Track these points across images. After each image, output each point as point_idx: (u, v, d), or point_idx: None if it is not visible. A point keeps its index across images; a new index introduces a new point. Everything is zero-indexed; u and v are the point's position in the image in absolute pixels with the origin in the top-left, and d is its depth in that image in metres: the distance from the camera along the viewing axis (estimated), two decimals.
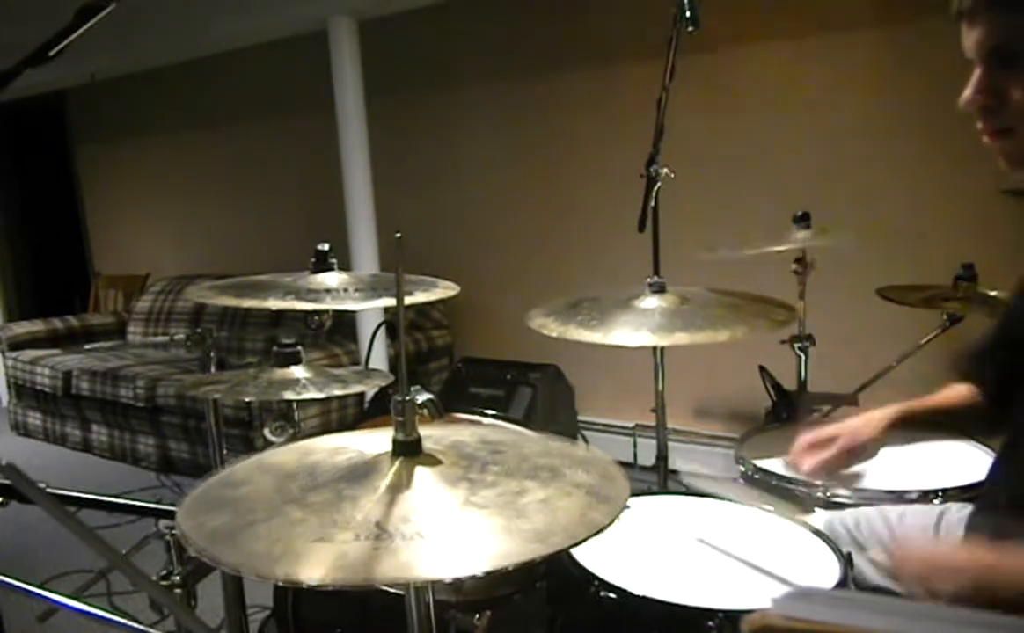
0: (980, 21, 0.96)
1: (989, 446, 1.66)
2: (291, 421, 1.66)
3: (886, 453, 1.71)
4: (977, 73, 0.98)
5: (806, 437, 1.46)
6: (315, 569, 0.69)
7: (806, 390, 2.10)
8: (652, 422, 1.87)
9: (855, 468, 1.47)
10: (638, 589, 1.11)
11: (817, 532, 1.29)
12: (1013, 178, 2.53)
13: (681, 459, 3.40)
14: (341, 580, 0.67)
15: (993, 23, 0.95)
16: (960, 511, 1.29)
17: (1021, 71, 0.94)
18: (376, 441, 0.91)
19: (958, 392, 1.38)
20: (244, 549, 0.73)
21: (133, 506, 1.26)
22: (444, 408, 0.96)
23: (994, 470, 1.25)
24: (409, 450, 0.85)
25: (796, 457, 1.46)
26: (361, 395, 3.41)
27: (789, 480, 1.54)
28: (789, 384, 2.10)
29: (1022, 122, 0.96)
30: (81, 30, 0.96)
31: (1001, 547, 0.95)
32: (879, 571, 1.11)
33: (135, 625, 1.14)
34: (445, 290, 1.48)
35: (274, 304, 1.34)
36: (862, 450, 1.43)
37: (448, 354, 4.22)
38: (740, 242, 2.02)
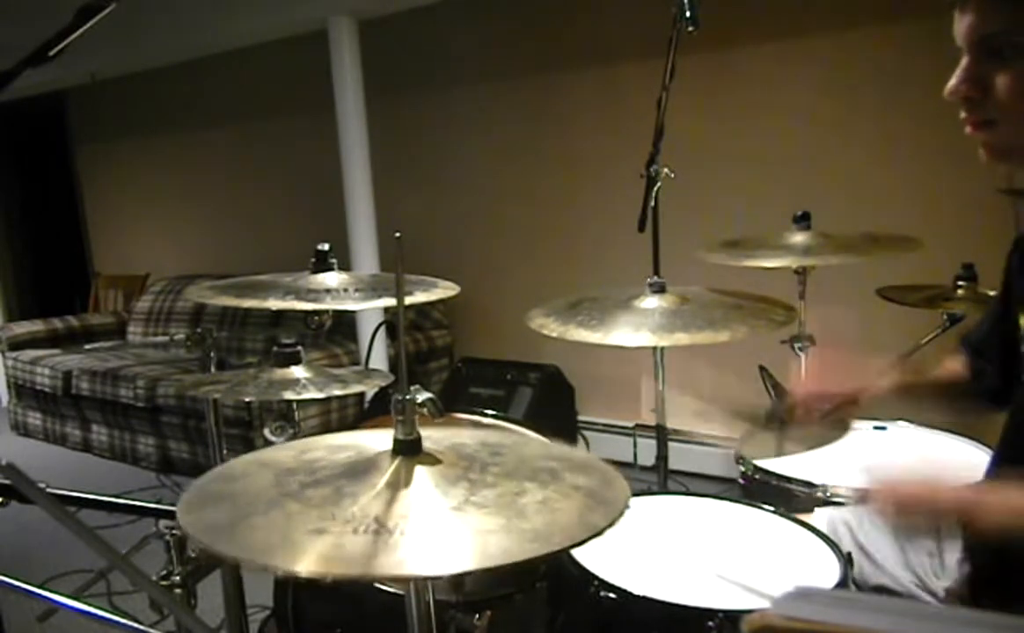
0: (971, 8, 0.96)
1: (987, 445, 1.66)
2: (291, 421, 1.66)
3: (888, 453, 1.71)
4: (964, 62, 0.98)
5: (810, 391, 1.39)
6: (312, 560, 0.69)
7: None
8: (652, 422, 1.87)
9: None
10: (638, 589, 1.11)
11: (817, 532, 1.29)
12: (1013, 178, 2.53)
13: (681, 459, 3.41)
14: (338, 572, 0.67)
15: (984, 12, 0.95)
16: None
17: (1007, 63, 0.94)
18: (376, 440, 0.91)
19: (955, 369, 1.38)
20: (242, 540, 0.73)
21: (133, 506, 1.26)
22: (444, 408, 0.96)
23: (992, 469, 1.24)
24: (409, 449, 0.85)
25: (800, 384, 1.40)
26: (361, 395, 3.41)
27: (789, 480, 1.55)
28: (789, 384, 2.10)
29: (1004, 115, 0.96)
30: (81, 30, 0.96)
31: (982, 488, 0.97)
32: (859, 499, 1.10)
33: (135, 625, 1.14)
34: (445, 290, 1.49)
35: (274, 304, 1.34)
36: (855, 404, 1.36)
37: (448, 354, 4.22)
38: (740, 245, 2.02)
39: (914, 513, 1.02)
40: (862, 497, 1.05)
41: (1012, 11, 0.93)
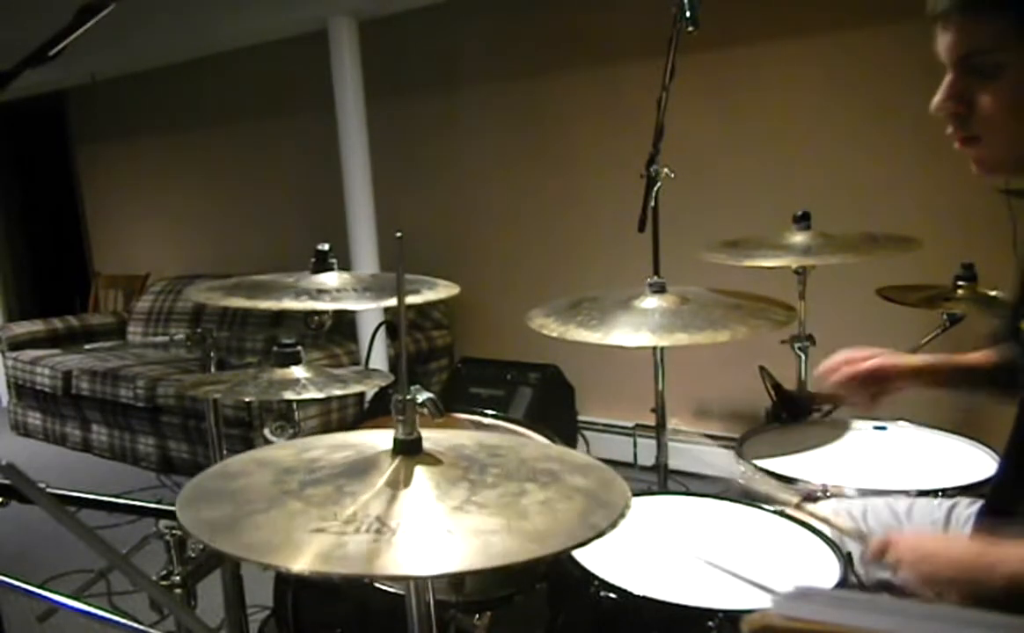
0: (953, 26, 0.96)
1: (987, 444, 1.66)
2: (291, 421, 1.66)
3: (888, 453, 1.71)
4: (948, 78, 0.98)
5: (843, 356, 1.43)
6: (314, 559, 0.69)
7: (806, 390, 2.09)
8: (652, 422, 1.87)
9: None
10: (638, 589, 1.11)
11: (817, 532, 1.29)
12: (1009, 180, 2.53)
13: (681, 459, 3.40)
14: (340, 571, 0.67)
15: (965, 30, 0.95)
16: (970, 507, 1.29)
17: (989, 79, 0.94)
18: (376, 440, 0.91)
19: (988, 355, 1.38)
20: (243, 538, 0.73)
21: (133, 506, 1.26)
22: (444, 408, 0.96)
23: (1001, 471, 1.24)
24: (409, 449, 0.85)
25: (828, 369, 1.44)
26: (361, 395, 3.41)
27: (789, 480, 1.54)
28: (789, 384, 2.10)
29: (988, 131, 0.97)
30: (81, 30, 0.96)
31: (993, 540, 0.96)
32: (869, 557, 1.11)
33: (135, 625, 1.14)
34: (446, 290, 1.48)
35: (288, 305, 1.34)
36: (887, 382, 1.41)
37: (448, 354, 4.22)
38: (740, 245, 2.02)
39: (927, 567, 1.01)
40: (879, 550, 1.06)
41: (992, 29, 0.93)
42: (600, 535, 0.75)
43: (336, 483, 0.82)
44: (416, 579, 0.88)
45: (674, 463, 2.61)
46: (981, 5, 0.93)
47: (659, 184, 1.76)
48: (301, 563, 0.68)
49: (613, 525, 0.76)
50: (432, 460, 0.85)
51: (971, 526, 1.24)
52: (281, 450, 0.95)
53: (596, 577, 1.14)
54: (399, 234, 0.82)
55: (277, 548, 0.71)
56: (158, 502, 1.19)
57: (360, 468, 0.84)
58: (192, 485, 0.86)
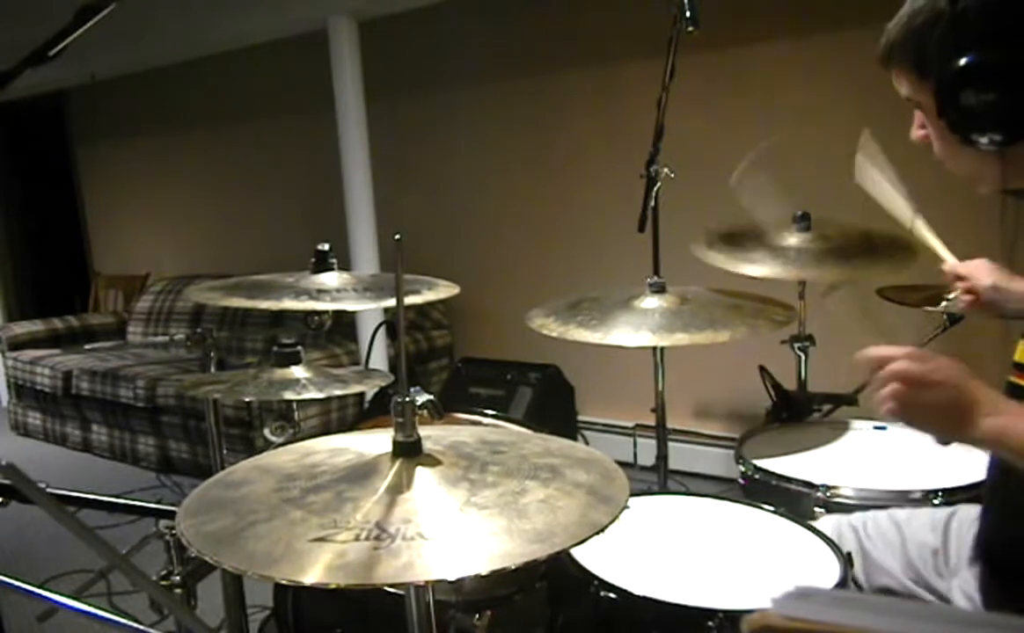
0: (891, 73, 1.09)
1: None
2: (291, 421, 1.66)
3: (888, 453, 1.71)
4: (916, 112, 1.11)
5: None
6: (316, 569, 0.69)
7: (806, 390, 2.09)
8: (652, 422, 1.87)
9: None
10: (638, 589, 1.11)
11: (817, 532, 1.29)
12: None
13: (681, 459, 3.41)
14: (342, 580, 0.67)
15: (895, 77, 1.08)
16: (971, 512, 1.29)
17: (929, 116, 1.06)
18: (376, 442, 0.91)
19: None
20: (245, 551, 0.73)
21: (133, 506, 1.26)
22: (444, 408, 0.96)
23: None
24: (409, 451, 0.85)
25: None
26: (361, 395, 3.41)
27: (789, 480, 1.55)
28: (789, 384, 2.10)
29: (943, 156, 1.09)
30: (81, 30, 0.96)
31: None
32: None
33: (135, 625, 1.14)
34: (446, 290, 1.48)
35: (288, 305, 1.34)
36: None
37: (448, 354, 4.22)
38: (740, 244, 2.02)
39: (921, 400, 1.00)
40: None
41: (907, 77, 1.06)
42: (600, 531, 0.75)
43: (337, 489, 0.82)
44: (417, 584, 0.88)
45: (674, 463, 2.61)
46: (891, 58, 1.07)
47: (659, 184, 1.77)
48: (303, 575, 0.68)
49: (613, 520, 0.76)
50: (432, 461, 0.85)
51: (973, 532, 1.23)
52: (283, 456, 0.95)
53: (596, 577, 1.14)
54: (398, 237, 0.82)
55: (278, 559, 0.70)
56: (158, 502, 1.19)
57: (360, 473, 0.84)
58: (194, 495, 0.85)
